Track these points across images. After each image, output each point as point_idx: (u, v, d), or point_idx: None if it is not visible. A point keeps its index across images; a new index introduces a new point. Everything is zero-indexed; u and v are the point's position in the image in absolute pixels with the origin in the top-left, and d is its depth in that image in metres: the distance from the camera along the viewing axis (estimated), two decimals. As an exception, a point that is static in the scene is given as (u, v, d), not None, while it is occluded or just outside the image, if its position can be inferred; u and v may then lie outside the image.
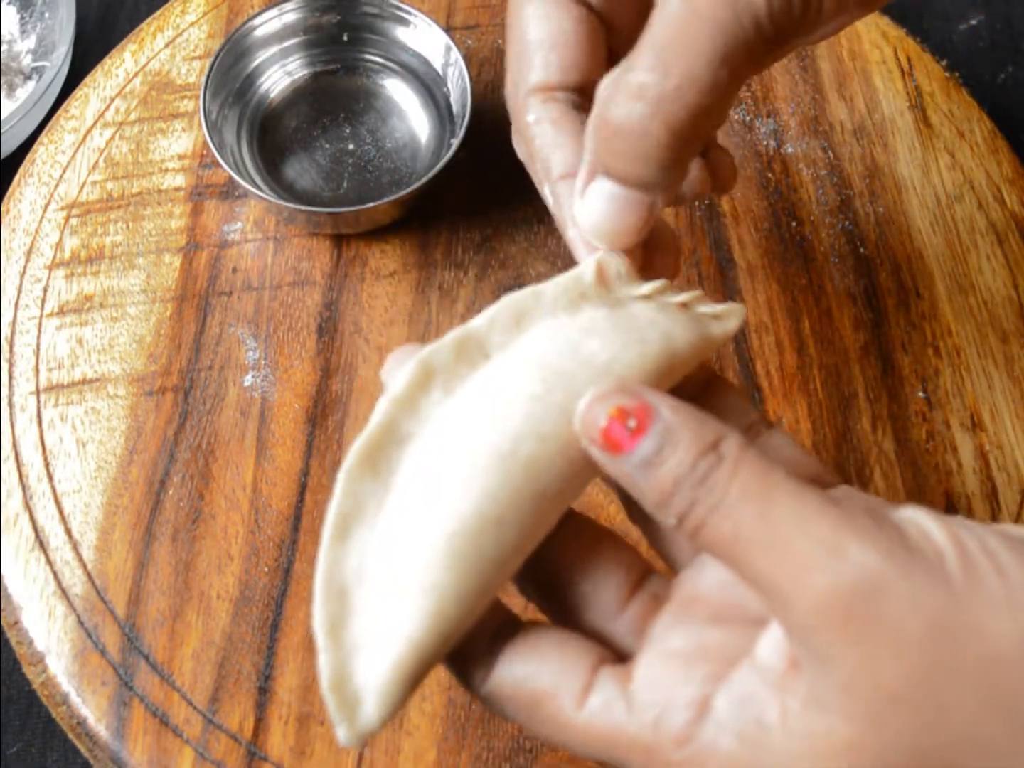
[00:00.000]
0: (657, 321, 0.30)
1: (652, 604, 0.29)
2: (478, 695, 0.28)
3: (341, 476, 0.28)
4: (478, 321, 0.29)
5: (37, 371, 0.50)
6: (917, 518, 0.25)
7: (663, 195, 0.29)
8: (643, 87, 0.27)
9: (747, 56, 0.27)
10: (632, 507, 0.31)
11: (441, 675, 0.44)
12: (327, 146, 0.56)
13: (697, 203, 0.56)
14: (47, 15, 0.64)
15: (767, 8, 0.27)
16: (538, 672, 0.27)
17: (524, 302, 0.30)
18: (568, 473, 0.28)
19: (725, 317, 0.32)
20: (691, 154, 0.28)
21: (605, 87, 0.28)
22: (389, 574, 0.27)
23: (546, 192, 0.32)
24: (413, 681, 0.27)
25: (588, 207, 0.29)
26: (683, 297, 0.31)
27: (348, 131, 0.57)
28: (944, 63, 0.61)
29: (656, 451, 0.26)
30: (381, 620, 0.27)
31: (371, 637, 0.27)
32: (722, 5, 0.27)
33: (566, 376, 0.28)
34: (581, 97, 0.32)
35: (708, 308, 0.32)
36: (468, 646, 0.28)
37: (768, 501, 0.25)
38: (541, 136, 0.32)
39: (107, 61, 0.59)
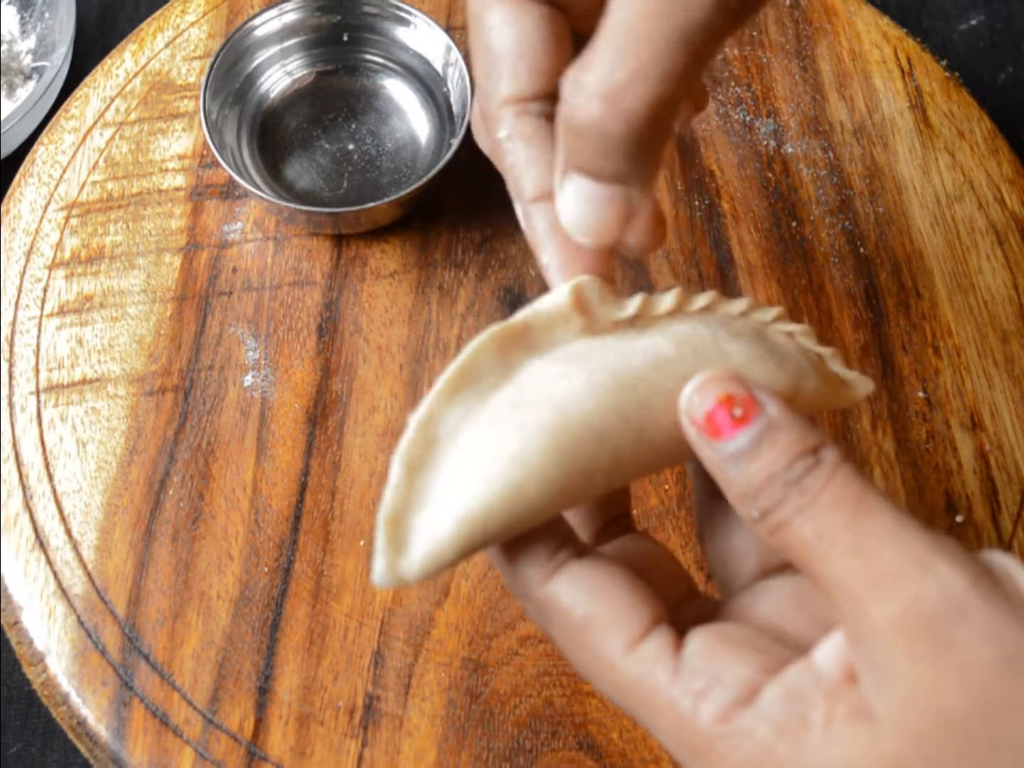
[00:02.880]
0: (795, 357, 0.31)
1: (697, 617, 0.29)
2: (526, 597, 0.28)
3: (475, 341, 0.28)
4: (628, 307, 0.30)
5: (37, 371, 0.50)
6: (1003, 562, 0.25)
7: (640, 185, 0.29)
8: (596, 83, 0.26)
9: (709, 36, 0.26)
10: (703, 522, 0.31)
11: (441, 675, 0.44)
12: (327, 146, 0.56)
13: (697, 203, 0.56)
14: (47, 15, 0.64)
15: None
16: (602, 599, 0.27)
17: (677, 298, 0.30)
18: (671, 436, 0.28)
19: (852, 385, 0.33)
20: (659, 142, 0.28)
21: (566, 84, 0.28)
22: (483, 442, 0.27)
23: (518, 211, 0.32)
24: (467, 547, 0.27)
25: (566, 205, 0.29)
26: (822, 350, 0.32)
27: (348, 131, 0.57)
28: (944, 63, 0.61)
29: (755, 444, 0.26)
30: (460, 477, 0.27)
31: (444, 490, 0.27)
32: None
33: (700, 356, 0.29)
34: (554, 104, 0.31)
35: (840, 369, 0.32)
36: (530, 544, 0.28)
37: (860, 511, 0.25)
38: (513, 154, 0.31)
39: (107, 61, 0.59)
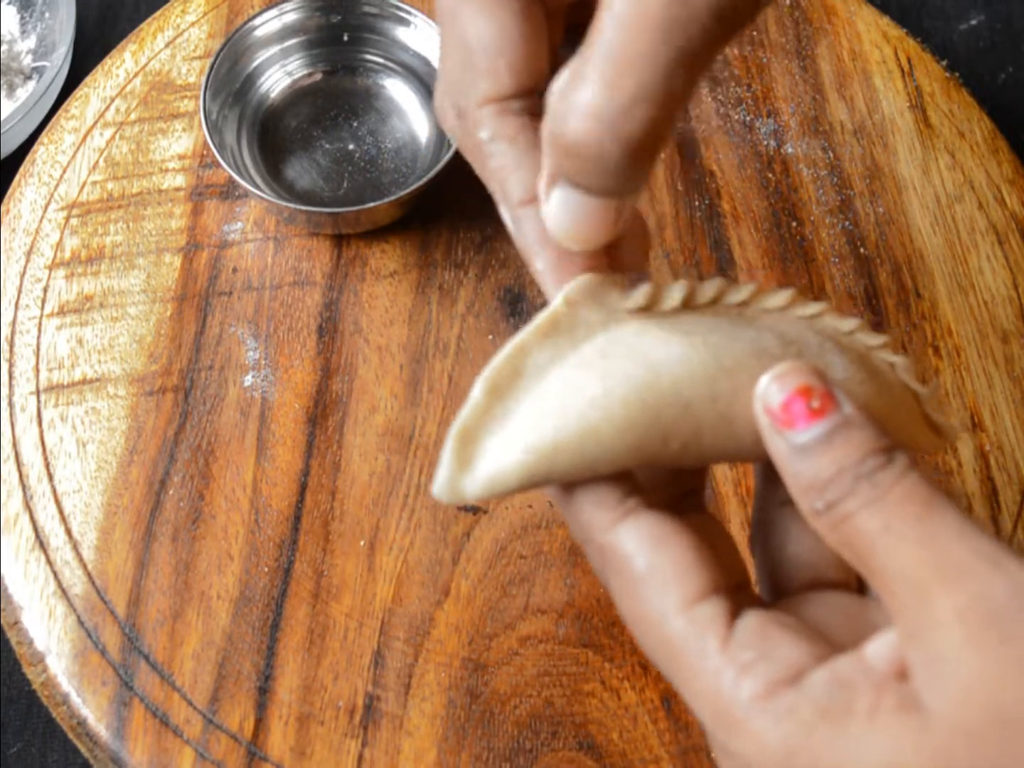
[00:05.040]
0: (894, 388, 0.31)
1: (749, 607, 0.29)
2: (590, 540, 0.28)
3: (573, 285, 0.28)
4: (740, 291, 0.30)
5: (37, 371, 0.50)
6: None
7: (629, 197, 0.28)
8: (593, 105, 0.25)
9: (706, 53, 0.25)
10: (760, 528, 0.31)
11: (441, 675, 0.44)
12: (327, 146, 0.56)
13: (697, 203, 0.56)
14: (47, 15, 0.64)
15: None
16: (667, 553, 0.27)
17: (788, 298, 0.30)
18: (756, 429, 0.28)
19: (942, 431, 0.32)
20: (653, 158, 0.27)
21: (555, 96, 0.27)
22: (567, 382, 0.27)
23: (505, 215, 0.31)
24: (531, 478, 0.27)
25: (554, 213, 0.28)
26: (920, 388, 0.32)
27: (348, 131, 0.57)
28: (944, 63, 0.61)
29: (827, 437, 0.26)
30: (538, 411, 0.27)
31: (520, 420, 0.27)
32: (677, 1, 0.24)
33: (803, 359, 0.29)
34: (535, 100, 0.30)
35: (933, 412, 0.32)
36: (601, 487, 0.28)
37: (930, 509, 0.25)
38: (499, 155, 0.30)
39: (107, 61, 0.59)
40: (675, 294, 0.29)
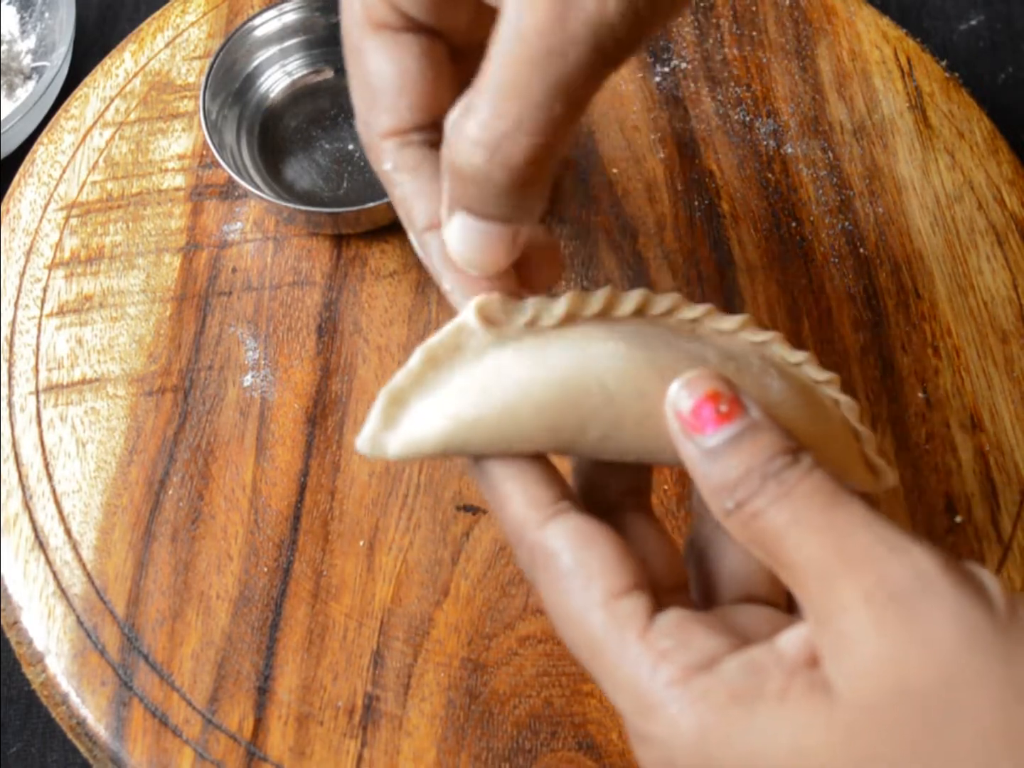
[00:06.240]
0: (832, 420, 0.31)
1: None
2: (521, 539, 0.29)
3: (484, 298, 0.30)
4: (694, 309, 0.31)
5: (37, 371, 0.50)
6: (974, 568, 0.26)
7: (524, 222, 0.29)
8: (479, 134, 0.27)
9: (586, 80, 0.26)
10: (697, 543, 0.32)
11: (440, 675, 0.44)
12: (327, 146, 0.57)
13: (696, 203, 0.56)
14: (47, 15, 0.64)
15: (604, 21, 0.25)
16: (593, 551, 0.28)
17: (740, 323, 0.31)
18: None
19: (877, 472, 0.33)
20: (539, 184, 0.28)
21: (449, 126, 0.28)
22: (499, 363, 0.29)
23: (413, 240, 0.32)
24: (448, 446, 0.29)
25: (453, 238, 0.29)
26: (862, 428, 0.32)
27: (348, 131, 0.57)
28: (944, 63, 0.61)
29: (736, 440, 0.27)
30: (466, 385, 0.29)
31: (448, 391, 0.29)
32: (553, 31, 0.25)
33: (739, 376, 0.29)
34: (436, 133, 0.31)
35: (871, 454, 0.33)
36: (534, 488, 0.29)
37: (835, 501, 0.26)
38: (401, 185, 0.32)
39: (107, 61, 0.59)
40: (595, 303, 0.30)
